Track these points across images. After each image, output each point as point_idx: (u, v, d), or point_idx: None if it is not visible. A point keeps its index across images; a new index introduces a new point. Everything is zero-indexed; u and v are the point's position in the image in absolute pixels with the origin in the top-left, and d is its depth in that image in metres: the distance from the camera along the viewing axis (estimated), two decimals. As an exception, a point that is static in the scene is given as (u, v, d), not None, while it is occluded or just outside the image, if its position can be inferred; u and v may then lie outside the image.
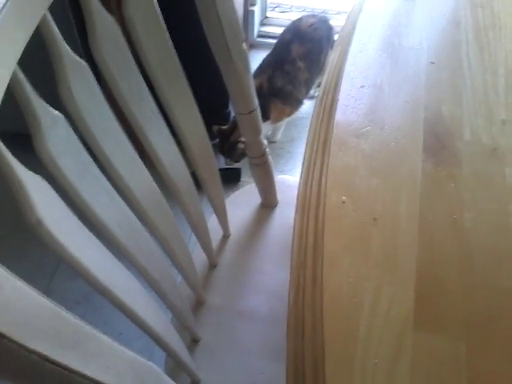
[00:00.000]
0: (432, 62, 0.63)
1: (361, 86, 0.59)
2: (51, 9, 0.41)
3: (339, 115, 0.56)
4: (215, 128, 1.52)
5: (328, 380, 0.39)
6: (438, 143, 0.54)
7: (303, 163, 0.56)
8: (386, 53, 0.64)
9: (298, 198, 0.54)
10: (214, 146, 1.67)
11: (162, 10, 0.57)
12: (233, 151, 1.52)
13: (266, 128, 1.62)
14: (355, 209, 0.48)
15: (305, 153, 0.57)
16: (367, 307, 0.42)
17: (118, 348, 0.37)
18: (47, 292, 1.37)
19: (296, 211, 0.53)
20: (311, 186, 0.53)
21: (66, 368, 0.29)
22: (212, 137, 1.65)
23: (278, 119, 1.64)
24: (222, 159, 1.66)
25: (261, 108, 1.56)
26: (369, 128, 0.55)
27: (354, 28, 0.67)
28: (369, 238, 0.47)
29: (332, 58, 0.66)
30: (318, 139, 0.56)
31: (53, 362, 0.28)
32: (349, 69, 0.61)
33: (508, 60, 0.63)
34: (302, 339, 0.43)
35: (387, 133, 0.55)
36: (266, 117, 1.56)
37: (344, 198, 0.49)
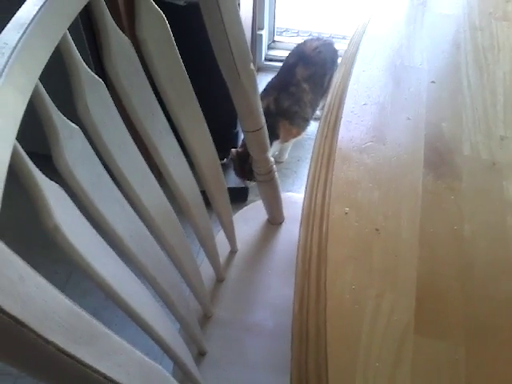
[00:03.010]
0: (432, 82, 0.65)
1: (364, 104, 0.62)
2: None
3: (343, 131, 0.58)
4: (233, 151, 1.55)
5: (331, 382, 0.40)
6: (439, 158, 0.56)
7: (308, 177, 0.58)
8: (389, 72, 0.66)
9: (302, 210, 0.56)
10: (223, 165, 1.69)
11: (173, 33, 0.60)
12: (252, 172, 1.55)
13: (274, 148, 1.65)
14: (358, 220, 0.50)
15: (309, 167, 0.59)
16: (369, 314, 0.44)
17: (129, 348, 0.39)
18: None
19: (301, 223, 0.55)
20: (315, 199, 0.54)
21: (79, 361, 0.31)
22: (219, 156, 1.68)
23: (286, 139, 1.67)
24: (229, 179, 1.69)
25: (269, 128, 1.59)
26: (371, 143, 0.57)
27: (357, 49, 0.69)
28: (371, 248, 0.48)
29: (336, 77, 0.69)
30: (322, 154, 0.58)
31: (68, 355, 0.30)
32: (352, 87, 0.64)
33: (506, 79, 0.65)
34: (306, 345, 0.44)
35: (389, 148, 0.57)
36: (274, 136, 1.59)
37: (347, 209, 0.51)
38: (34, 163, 0.38)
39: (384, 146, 0.57)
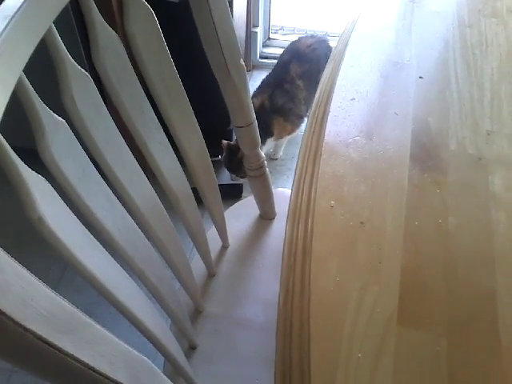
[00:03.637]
0: (420, 77, 0.66)
1: (351, 99, 0.62)
2: (57, 22, 0.45)
3: (330, 126, 0.59)
4: (224, 143, 1.55)
5: (313, 374, 0.40)
6: (425, 153, 0.57)
7: (295, 172, 0.58)
8: (377, 68, 0.67)
9: (289, 205, 0.56)
10: (214, 162, 1.70)
11: (162, 27, 0.61)
12: (240, 167, 1.55)
13: (268, 145, 1.65)
14: (343, 213, 0.51)
15: (297, 162, 0.59)
16: (352, 306, 0.44)
17: (113, 339, 0.39)
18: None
19: (287, 218, 0.55)
20: (302, 194, 0.55)
21: (60, 350, 0.31)
22: (213, 153, 1.68)
23: (281, 136, 1.67)
24: (223, 175, 1.69)
25: (264, 125, 1.59)
26: (358, 138, 0.57)
27: (346, 45, 0.70)
28: (356, 242, 0.49)
29: (325, 73, 0.69)
30: (309, 149, 0.59)
31: (47, 343, 0.30)
32: (340, 83, 0.64)
33: (494, 75, 0.66)
34: (290, 338, 0.45)
35: (376, 143, 0.57)
36: (269, 133, 1.59)
37: (333, 203, 0.51)
38: (21, 158, 0.38)
39: (371, 140, 0.57)
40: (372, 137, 0.58)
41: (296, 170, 0.59)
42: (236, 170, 1.59)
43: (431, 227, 0.50)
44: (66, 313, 0.33)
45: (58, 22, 0.44)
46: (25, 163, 0.39)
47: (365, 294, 0.45)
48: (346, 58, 0.68)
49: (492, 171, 0.55)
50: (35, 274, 0.31)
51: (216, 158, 1.66)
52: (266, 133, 1.57)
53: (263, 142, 1.59)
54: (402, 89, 0.64)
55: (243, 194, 1.67)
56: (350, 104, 0.61)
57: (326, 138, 0.57)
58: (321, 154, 0.56)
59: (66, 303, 0.33)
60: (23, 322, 0.28)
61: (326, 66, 0.71)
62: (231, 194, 1.63)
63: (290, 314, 0.46)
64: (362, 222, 0.50)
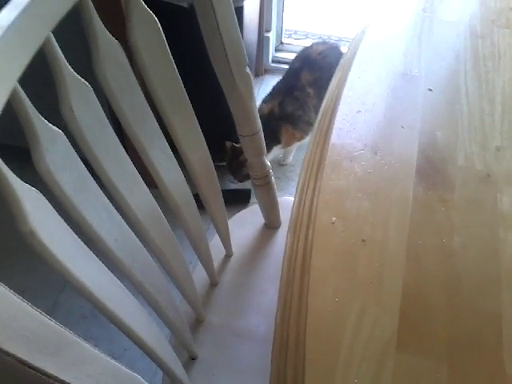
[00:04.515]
0: (429, 89, 0.64)
1: (357, 111, 0.61)
2: (62, 29, 0.44)
3: (334, 138, 0.57)
4: (228, 144, 1.54)
5: (307, 398, 0.39)
6: (431, 168, 0.55)
7: (297, 184, 0.57)
8: (385, 79, 0.65)
9: (290, 218, 0.55)
10: (218, 167, 1.68)
11: (168, 33, 0.60)
12: (239, 170, 1.54)
13: (276, 152, 1.64)
14: (344, 230, 0.49)
15: (300, 175, 0.58)
16: (350, 327, 0.43)
17: (102, 358, 0.38)
18: (55, 306, 1.39)
19: (288, 231, 0.54)
20: (303, 208, 0.54)
21: (44, 373, 0.30)
22: (219, 158, 1.66)
23: (289, 143, 1.66)
24: (228, 182, 1.68)
25: (272, 132, 1.57)
26: (362, 152, 0.56)
27: (354, 55, 0.68)
28: (356, 259, 0.47)
29: (332, 82, 0.68)
30: (312, 162, 0.57)
31: (30, 366, 0.29)
32: (347, 94, 0.63)
33: (505, 88, 0.64)
34: (286, 357, 0.44)
35: (380, 157, 0.56)
36: (277, 141, 1.58)
37: (334, 218, 0.50)
38: (13, 157, 0.38)
39: (375, 154, 0.56)
40: (377, 151, 0.56)
41: (298, 182, 0.58)
42: (235, 173, 1.58)
43: (435, 246, 0.48)
44: (51, 332, 0.32)
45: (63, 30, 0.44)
46: (17, 162, 0.38)
47: (364, 315, 0.43)
48: (353, 68, 0.66)
49: (501, 188, 0.53)
50: (39, 277, 0.30)
51: (223, 163, 1.65)
52: (273, 140, 1.56)
53: (269, 149, 1.58)
54: (409, 101, 0.63)
55: (251, 200, 1.66)
56: (355, 116, 0.60)
57: (329, 150, 0.56)
58: (324, 168, 0.55)
59: (52, 323, 0.33)
60: (2, 345, 0.27)
61: (334, 75, 0.70)
62: (239, 199, 1.62)
63: (286, 333, 0.45)
64: (363, 240, 0.48)
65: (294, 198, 0.56)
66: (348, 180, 0.53)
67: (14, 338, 0.28)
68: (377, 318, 0.43)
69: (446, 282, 0.46)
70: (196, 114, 0.69)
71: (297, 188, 0.57)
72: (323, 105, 0.66)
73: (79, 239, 0.47)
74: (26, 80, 0.40)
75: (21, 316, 0.29)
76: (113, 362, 0.40)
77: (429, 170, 0.55)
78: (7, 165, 0.37)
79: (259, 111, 1.61)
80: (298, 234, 0.52)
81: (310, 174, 0.56)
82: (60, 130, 0.46)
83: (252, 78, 0.73)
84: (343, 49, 1.71)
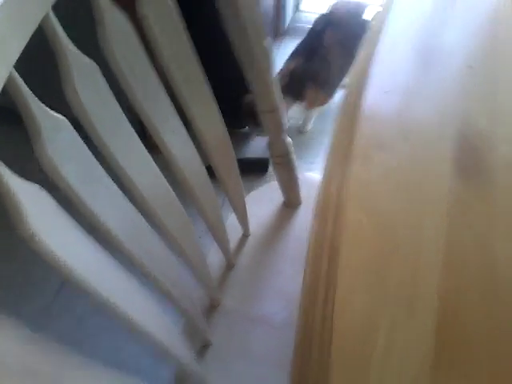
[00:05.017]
0: (470, 67, 0.58)
1: (387, 92, 0.55)
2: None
3: (361, 123, 0.52)
4: (246, 98, 1.48)
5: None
6: (471, 159, 0.50)
7: (323, 176, 0.52)
8: (418, 54, 0.59)
9: (316, 206, 0.51)
10: (240, 133, 1.58)
11: (180, 7, 0.55)
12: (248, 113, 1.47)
13: (294, 111, 1.59)
14: (374, 233, 0.45)
15: (325, 164, 0.53)
16: (380, 347, 0.39)
17: (103, 375, 0.35)
18: (53, 306, 1.34)
19: (313, 218, 0.50)
20: (329, 201, 0.49)
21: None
22: (238, 125, 1.60)
23: (312, 104, 1.60)
24: (248, 149, 1.63)
25: (296, 88, 1.50)
26: (394, 140, 0.51)
27: (382, 27, 0.62)
28: (387, 269, 0.43)
29: (357, 59, 0.62)
30: (339, 148, 0.53)
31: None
32: (375, 71, 0.57)
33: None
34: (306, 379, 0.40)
35: (413, 145, 0.51)
36: (300, 97, 1.53)
37: (362, 216, 0.46)
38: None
39: (407, 142, 0.51)
40: (410, 138, 0.51)
41: (324, 173, 0.53)
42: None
43: (476, 253, 0.44)
44: (50, 365, 0.29)
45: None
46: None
47: (395, 333, 0.39)
48: (382, 42, 0.60)
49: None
50: (41, 273, 0.27)
51: (242, 130, 1.60)
52: (296, 96, 1.50)
53: (290, 105, 1.52)
54: (446, 80, 0.57)
55: (270, 169, 1.60)
56: (384, 98, 0.54)
57: (357, 137, 0.51)
58: (351, 156, 0.50)
59: (52, 351, 0.29)
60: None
61: (359, 49, 0.63)
62: (257, 168, 1.57)
63: (307, 352, 0.42)
64: (395, 245, 0.44)
65: (318, 191, 0.51)
66: (378, 172, 0.49)
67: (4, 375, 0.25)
68: (409, 335, 0.39)
69: (488, 296, 0.41)
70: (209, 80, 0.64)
71: (322, 180, 0.52)
72: (349, 81, 0.60)
73: (87, 236, 0.44)
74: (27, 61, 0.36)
75: (12, 349, 0.26)
76: (115, 374, 0.37)
77: (468, 161, 0.50)
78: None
79: (284, 68, 1.54)
80: (323, 224, 0.47)
81: (336, 164, 0.51)
82: (63, 117, 0.42)
83: (272, 50, 0.68)
84: (369, 8, 1.62)
